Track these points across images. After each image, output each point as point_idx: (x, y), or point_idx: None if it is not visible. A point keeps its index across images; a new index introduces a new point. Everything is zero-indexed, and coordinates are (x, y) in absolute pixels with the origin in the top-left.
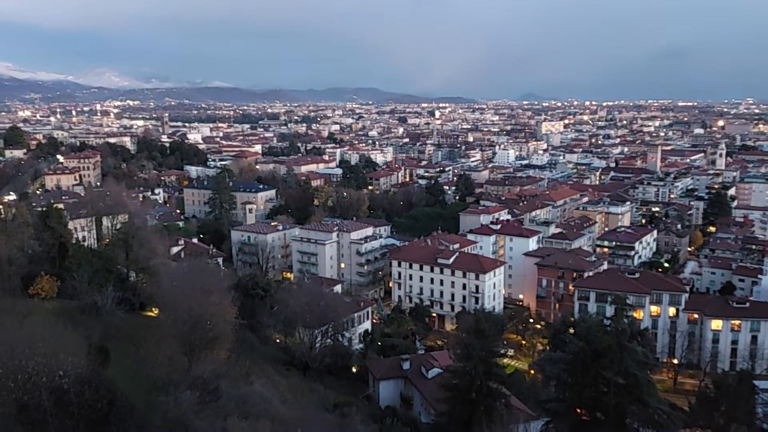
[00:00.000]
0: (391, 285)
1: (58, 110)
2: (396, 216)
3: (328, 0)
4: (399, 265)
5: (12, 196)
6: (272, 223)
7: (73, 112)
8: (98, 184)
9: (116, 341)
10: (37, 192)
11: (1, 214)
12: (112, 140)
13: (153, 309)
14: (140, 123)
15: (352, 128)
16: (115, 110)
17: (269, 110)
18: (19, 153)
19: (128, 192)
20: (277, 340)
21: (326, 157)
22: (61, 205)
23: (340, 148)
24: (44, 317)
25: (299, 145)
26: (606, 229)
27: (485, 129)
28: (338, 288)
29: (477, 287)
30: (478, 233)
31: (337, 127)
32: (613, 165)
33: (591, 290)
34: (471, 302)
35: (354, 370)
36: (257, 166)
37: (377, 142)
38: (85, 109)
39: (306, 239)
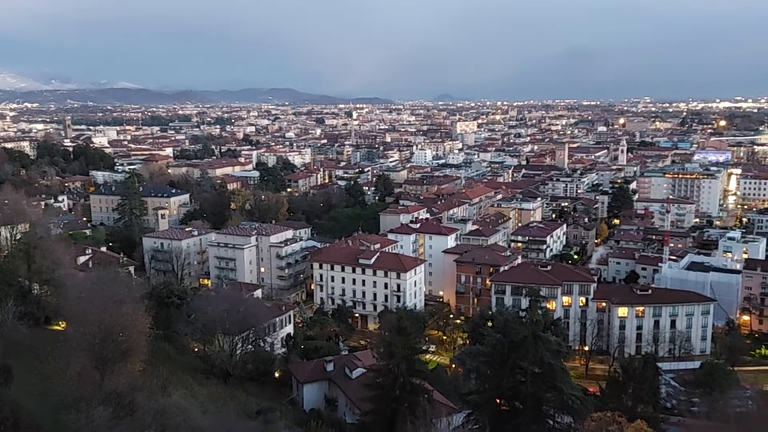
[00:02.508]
0: (312, 287)
1: None
2: (316, 218)
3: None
4: (320, 267)
5: None
6: (187, 229)
7: None
8: None
9: (19, 358)
10: None
11: None
12: (9, 145)
13: (59, 322)
14: (40, 126)
15: (268, 130)
16: (12, 113)
17: (180, 112)
18: None
19: (29, 200)
20: (196, 349)
21: (242, 160)
22: None
23: (257, 150)
24: None
25: (213, 147)
26: (519, 224)
27: (402, 129)
28: (258, 293)
29: (398, 286)
30: (398, 232)
31: (253, 128)
32: (524, 163)
33: (507, 284)
34: (393, 301)
35: (277, 375)
36: (169, 170)
37: (295, 144)
38: None
39: (223, 244)
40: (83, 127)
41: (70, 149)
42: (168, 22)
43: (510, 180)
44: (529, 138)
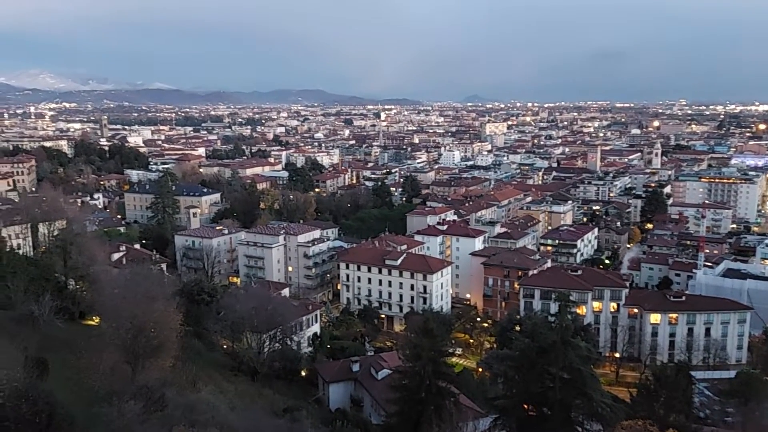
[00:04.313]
0: (339, 287)
1: None
2: (343, 218)
3: (272, 2)
4: (347, 267)
5: None
6: (217, 228)
7: (5, 115)
8: (33, 189)
9: (55, 352)
10: None
11: None
12: (47, 144)
13: (94, 318)
14: (77, 126)
15: (297, 130)
16: (51, 113)
17: (212, 112)
18: None
19: (66, 197)
20: (225, 346)
21: (272, 160)
22: None
23: (286, 151)
24: None
25: (244, 147)
26: (549, 227)
27: (430, 131)
28: (286, 291)
29: (425, 288)
30: (425, 234)
31: (283, 129)
32: (555, 165)
33: (535, 288)
34: (419, 303)
35: (303, 373)
36: (201, 170)
37: (323, 145)
38: (18, 111)
39: (252, 243)
40: (119, 126)
41: (106, 148)
42: (203, 25)
43: (540, 182)
44: (560, 140)
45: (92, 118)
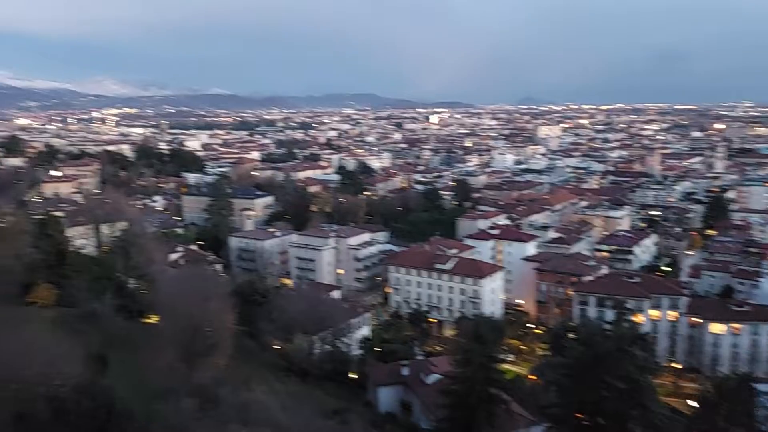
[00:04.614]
0: (389, 291)
1: (56, 118)
2: (393, 221)
3: (326, 6)
4: (397, 270)
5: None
6: (270, 230)
7: (71, 120)
8: (97, 191)
9: (115, 349)
10: (36, 200)
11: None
12: (110, 148)
13: (152, 316)
14: (139, 130)
15: (349, 134)
16: (114, 118)
17: (267, 117)
18: (17, 161)
19: (127, 199)
20: (276, 347)
21: (324, 163)
22: (59, 213)
23: (338, 154)
24: (42, 326)
25: (297, 151)
26: (605, 233)
27: (482, 133)
28: (336, 294)
29: (475, 292)
30: (476, 238)
31: (335, 133)
32: (611, 169)
33: (591, 294)
34: (470, 307)
35: (353, 376)
36: (255, 173)
37: (374, 148)
38: (83, 116)
39: (304, 245)
40: (178, 131)
41: (166, 152)
42: (259, 30)
43: (596, 186)
44: (617, 143)
45: (153, 122)
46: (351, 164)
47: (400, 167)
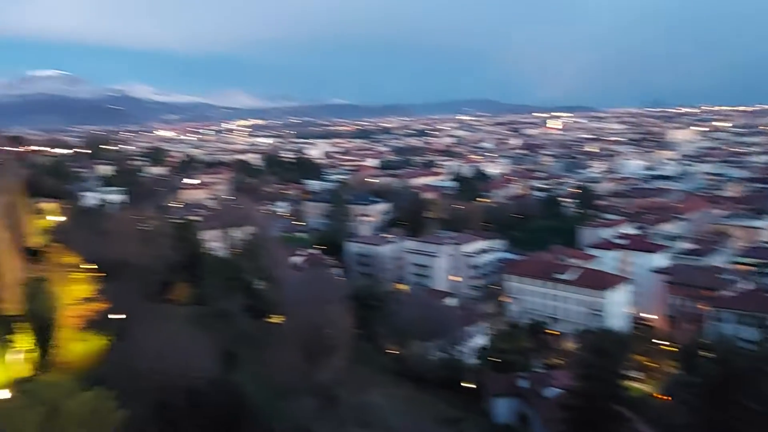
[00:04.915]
0: (505, 300)
1: (193, 130)
2: (510, 229)
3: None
4: (514, 279)
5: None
6: (386, 235)
7: (207, 132)
8: (228, 197)
9: (243, 347)
10: (175, 205)
11: (147, 226)
12: (240, 157)
13: (276, 316)
14: (266, 140)
15: (465, 140)
16: (244, 129)
17: (384, 125)
18: (160, 170)
19: (255, 205)
20: (391, 351)
21: (439, 170)
22: (196, 218)
23: (454, 161)
24: (180, 322)
25: (413, 158)
26: (746, 245)
27: (607, 138)
28: (451, 301)
29: (599, 305)
30: (600, 248)
31: (451, 139)
32: (754, 175)
33: (727, 311)
34: (592, 320)
35: (468, 385)
36: (372, 180)
37: (491, 154)
38: (217, 128)
39: (419, 251)
40: (301, 140)
41: (290, 160)
42: (377, 41)
43: (736, 194)
44: (759, 147)
45: (279, 132)
46: (467, 171)
47: (518, 173)
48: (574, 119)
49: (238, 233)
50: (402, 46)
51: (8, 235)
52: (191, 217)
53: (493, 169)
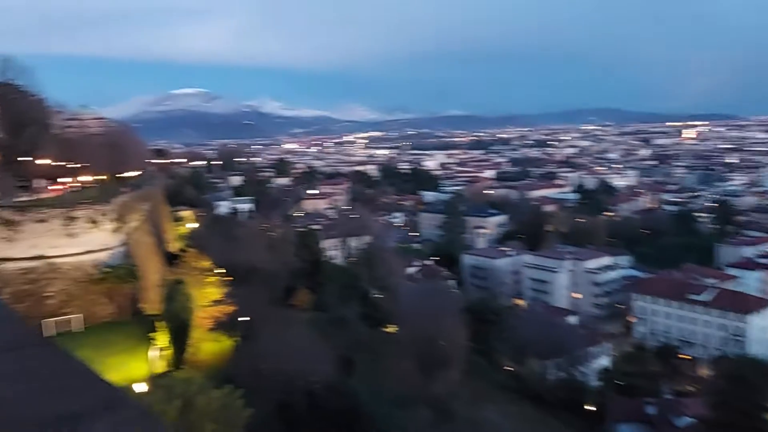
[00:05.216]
0: (632, 320)
1: (316, 142)
2: (638, 245)
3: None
4: (642, 298)
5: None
6: (503, 248)
7: (328, 144)
8: (347, 207)
9: (359, 353)
10: (298, 215)
11: (272, 234)
12: (359, 168)
13: (391, 325)
14: (383, 152)
15: (588, 151)
16: (363, 141)
17: (502, 135)
18: (284, 180)
19: (372, 215)
20: (508, 368)
21: (560, 182)
22: (316, 227)
23: (576, 172)
24: (301, 326)
25: (532, 169)
26: None
27: (749, 148)
28: (572, 319)
29: (739, 329)
30: (741, 267)
31: (573, 150)
32: None
33: None
34: (731, 346)
35: (590, 408)
36: (489, 191)
37: (617, 165)
38: (338, 141)
39: (538, 266)
40: (417, 151)
41: (406, 171)
42: (497, 50)
43: None
44: None
45: (396, 144)
46: (590, 183)
47: (647, 186)
48: (710, 128)
49: (356, 242)
50: (521, 56)
51: (152, 240)
52: (312, 226)
53: (619, 181)
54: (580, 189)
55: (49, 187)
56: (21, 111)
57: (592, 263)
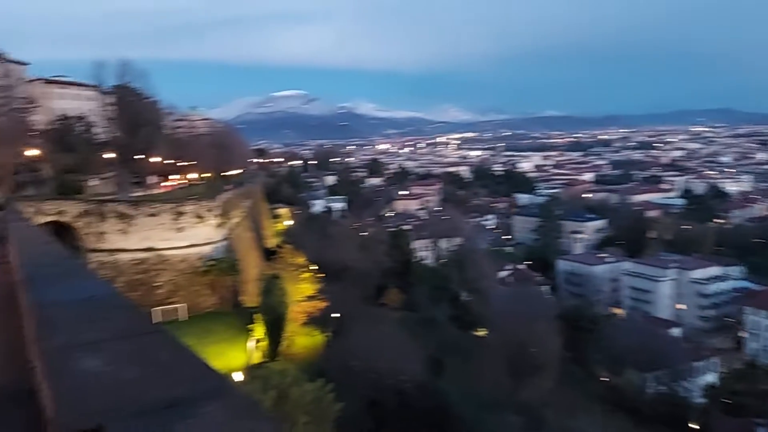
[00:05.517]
0: (743, 335)
1: (409, 143)
2: (751, 255)
3: (670, 16)
4: (755, 312)
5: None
6: (601, 255)
7: (421, 145)
8: (438, 208)
9: (448, 355)
10: (389, 215)
11: (364, 233)
12: (451, 169)
13: (481, 329)
14: (476, 153)
15: (698, 154)
16: (455, 142)
17: (602, 137)
18: (377, 180)
19: (463, 217)
20: (603, 378)
21: (665, 186)
22: (407, 227)
23: (683, 176)
24: (391, 325)
25: (634, 172)
26: None
27: None
28: (675, 331)
29: None
30: None
31: (680, 152)
32: None
33: None
34: None
35: (693, 426)
36: (587, 195)
37: (730, 170)
38: (430, 142)
39: (638, 274)
40: (512, 153)
41: (499, 173)
42: (595, 51)
43: None
44: None
45: (489, 146)
46: (699, 187)
47: (763, 192)
48: None
49: (447, 244)
50: (625, 55)
51: (251, 236)
52: (404, 227)
53: (731, 186)
54: (687, 194)
55: (161, 184)
56: (137, 112)
57: (699, 273)
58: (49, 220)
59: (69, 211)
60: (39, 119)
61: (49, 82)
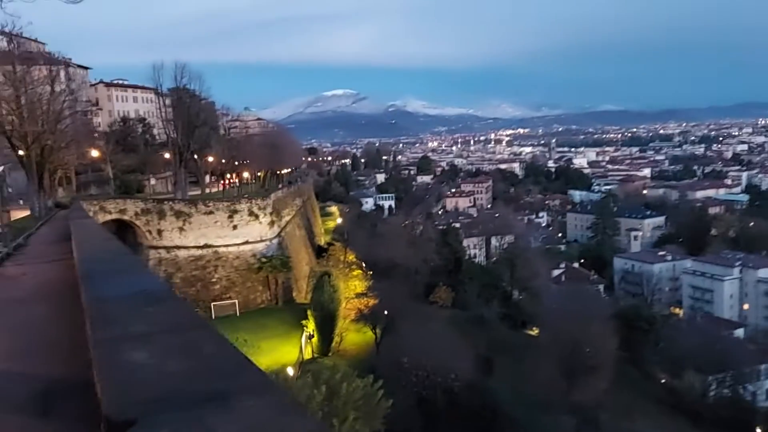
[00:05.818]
0: None
1: (459, 140)
2: None
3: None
4: None
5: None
6: (660, 253)
7: (471, 142)
8: (489, 206)
9: (499, 354)
10: (439, 212)
11: (414, 231)
12: (502, 166)
13: (533, 328)
14: (528, 149)
15: (765, 148)
16: (507, 138)
17: (661, 131)
18: (427, 178)
19: (515, 214)
20: (662, 380)
21: (728, 182)
22: (457, 225)
23: (748, 171)
24: (440, 323)
25: (695, 168)
26: None
27: None
28: (740, 332)
29: None
30: None
31: (745, 146)
32: None
33: None
34: None
35: (759, 430)
36: (645, 191)
37: None
38: (481, 138)
39: (700, 273)
40: (566, 149)
41: (552, 170)
42: (653, 45)
43: None
44: None
45: (542, 142)
46: (765, 183)
47: None
48: None
49: (498, 242)
50: (684, 47)
51: (303, 233)
52: (454, 224)
53: None
54: (752, 189)
55: (218, 183)
56: (193, 113)
57: (765, 272)
58: (111, 218)
59: (130, 209)
60: (101, 121)
61: (109, 85)
